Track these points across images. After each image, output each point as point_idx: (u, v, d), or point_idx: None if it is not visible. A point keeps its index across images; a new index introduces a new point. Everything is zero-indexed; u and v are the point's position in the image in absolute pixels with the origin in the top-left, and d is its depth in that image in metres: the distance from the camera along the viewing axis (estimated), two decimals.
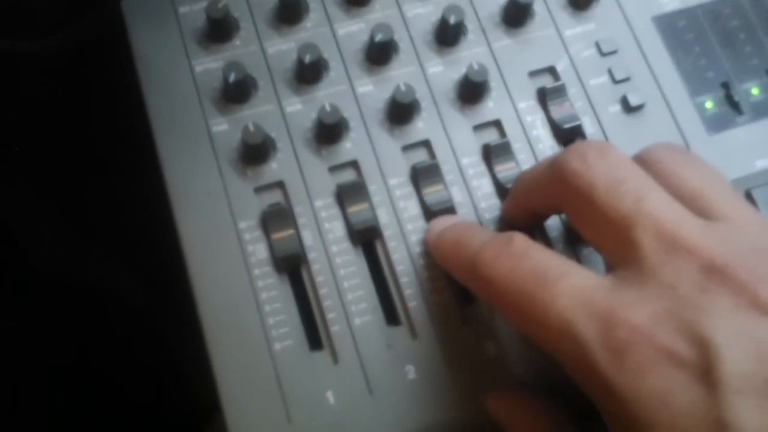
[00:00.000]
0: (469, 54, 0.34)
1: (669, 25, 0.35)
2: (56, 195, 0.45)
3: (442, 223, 0.30)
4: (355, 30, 0.34)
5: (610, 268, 0.24)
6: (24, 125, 0.44)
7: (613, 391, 0.21)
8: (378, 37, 0.32)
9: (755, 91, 0.34)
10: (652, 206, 0.23)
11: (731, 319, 0.20)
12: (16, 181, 0.44)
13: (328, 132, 0.31)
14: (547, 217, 0.30)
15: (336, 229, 0.31)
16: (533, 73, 0.34)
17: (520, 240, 0.25)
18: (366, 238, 0.31)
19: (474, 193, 0.31)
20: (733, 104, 0.34)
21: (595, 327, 0.22)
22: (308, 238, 0.31)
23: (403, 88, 0.31)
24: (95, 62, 0.43)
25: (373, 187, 0.31)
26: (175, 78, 0.33)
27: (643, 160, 0.26)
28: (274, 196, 0.31)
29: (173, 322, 0.45)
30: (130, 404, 0.46)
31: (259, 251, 0.30)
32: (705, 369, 0.20)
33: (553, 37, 0.34)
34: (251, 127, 0.31)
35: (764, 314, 0.20)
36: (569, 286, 0.23)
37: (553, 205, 0.27)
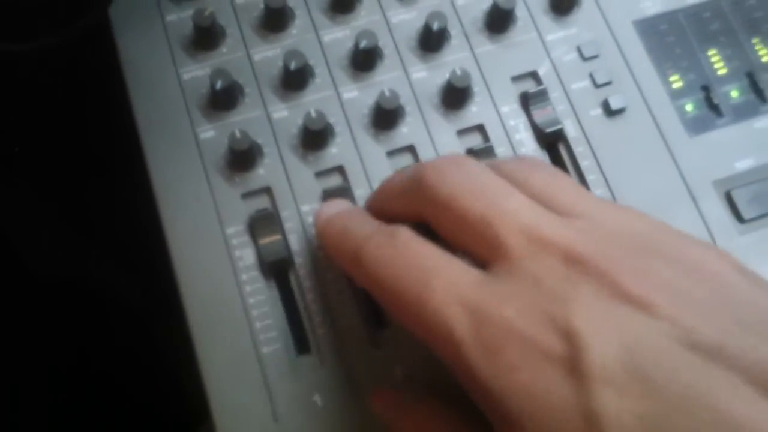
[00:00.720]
0: (453, 59, 0.34)
1: (650, 29, 0.35)
2: (55, 196, 0.46)
3: (330, 208, 0.30)
4: (340, 36, 0.34)
5: (483, 266, 0.24)
6: (22, 126, 0.44)
7: (487, 387, 0.21)
8: (363, 44, 0.33)
9: (735, 93, 0.35)
10: (512, 207, 0.24)
11: (594, 309, 0.21)
12: (14, 182, 0.45)
13: (314, 138, 0.32)
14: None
15: None
16: (516, 78, 0.34)
17: (404, 233, 0.25)
18: None
19: None
20: (713, 107, 0.34)
21: (467, 323, 0.22)
22: (295, 243, 0.31)
23: (387, 93, 0.32)
24: (92, 63, 0.43)
25: (360, 191, 0.32)
26: (163, 85, 0.33)
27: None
28: (262, 202, 0.32)
29: (171, 324, 0.46)
30: (129, 405, 0.47)
31: (247, 256, 0.31)
32: (572, 361, 0.20)
33: (535, 41, 0.35)
34: (238, 134, 0.31)
35: (624, 301, 0.21)
36: (445, 281, 0.23)
37: (417, 216, 0.27)
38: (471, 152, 0.32)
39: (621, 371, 0.19)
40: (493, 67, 0.34)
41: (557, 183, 0.26)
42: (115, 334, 0.46)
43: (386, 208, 0.29)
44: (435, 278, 0.23)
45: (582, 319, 0.20)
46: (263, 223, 0.31)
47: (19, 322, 0.44)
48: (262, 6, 0.34)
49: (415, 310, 0.23)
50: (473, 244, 0.24)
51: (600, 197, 0.26)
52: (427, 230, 0.26)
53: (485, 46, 0.35)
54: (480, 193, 0.24)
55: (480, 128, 0.33)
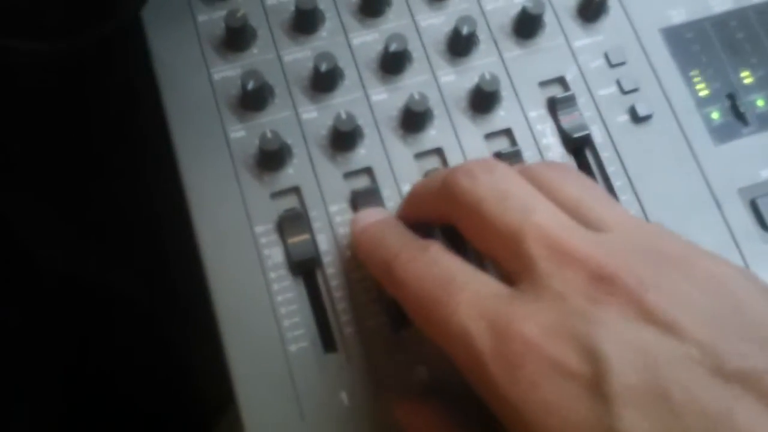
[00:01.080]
0: (481, 64, 0.35)
1: (676, 37, 0.36)
2: (58, 196, 0.46)
3: (366, 217, 0.30)
4: (369, 40, 0.35)
5: (509, 280, 0.24)
6: (25, 128, 0.44)
7: (507, 402, 0.21)
8: (392, 47, 0.33)
9: (761, 102, 0.35)
10: (540, 218, 0.24)
11: (619, 330, 0.21)
12: (18, 183, 0.45)
13: (343, 139, 0.32)
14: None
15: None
16: (543, 83, 0.34)
17: (435, 248, 0.25)
18: None
19: None
20: (738, 115, 0.34)
21: (490, 338, 0.22)
22: (323, 242, 0.31)
23: (416, 96, 0.32)
24: (98, 66, 0.44)
25: (387, 192, 0.32)
26: (194, 85, 0.34)
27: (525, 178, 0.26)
28: (290, 201, 0.32)
29: (176, 323, 0.46)
30: (132, 404, 0.47)
31: (275, 255, 0.31)
32: (595, 381, 0.20)
33: (563, 47, 0.35)
34: (269, 134, 0.31)
35: (650, 322, 0.21)
36: (470, 296, 0.23)
37: (446, 221, 0.27)
38: (498, 156, 0.33)
39: (645, 394, 0.19)
40: (520, 72, 0.34)
41: (588, 193, 0.26)
42: (119, 333, 0.46)
43: (417, 213, 0.29)
44: (460, 292, 0.23)
45: (606, 340, 0.20)
46: (292, 222, 0.31)
47: (21, 323, 0.44)
48: (292, 8, 0.34)
49: (440, 323, 0.23)
50: (500, 255, 0.24)
51: (629, 212, 0.26)
52: (460, 239, 0.27)
53: (513, 51, 0.35)
54: (509, 202, 0.24)
55: (507, 132, 0.34)
